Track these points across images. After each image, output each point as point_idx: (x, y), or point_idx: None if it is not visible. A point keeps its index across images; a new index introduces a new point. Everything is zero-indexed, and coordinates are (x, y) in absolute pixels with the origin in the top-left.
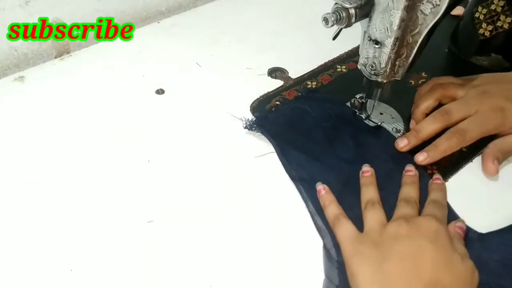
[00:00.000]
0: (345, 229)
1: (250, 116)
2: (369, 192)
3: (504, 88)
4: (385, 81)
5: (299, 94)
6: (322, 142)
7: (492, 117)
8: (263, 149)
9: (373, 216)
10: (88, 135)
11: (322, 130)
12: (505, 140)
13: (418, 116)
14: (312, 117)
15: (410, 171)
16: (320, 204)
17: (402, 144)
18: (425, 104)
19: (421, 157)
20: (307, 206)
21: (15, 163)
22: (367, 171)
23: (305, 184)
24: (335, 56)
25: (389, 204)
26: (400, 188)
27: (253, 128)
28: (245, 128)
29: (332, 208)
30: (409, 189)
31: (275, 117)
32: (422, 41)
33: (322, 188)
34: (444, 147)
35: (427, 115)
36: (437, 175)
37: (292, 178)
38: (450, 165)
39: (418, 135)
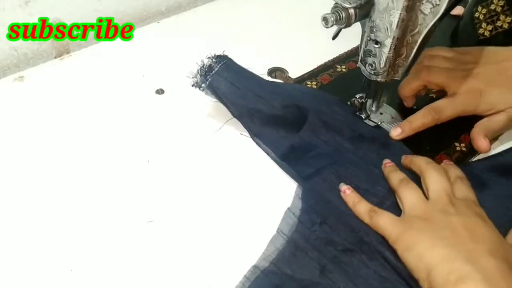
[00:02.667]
0: (385, 217)
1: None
2: (398, 174)
3: (489, 70)
4: (385, 81)
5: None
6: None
7: (470, 99)
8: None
9: (412, 192)
10: (88, 135)
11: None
12: (491, 119)
13: (405, 92)
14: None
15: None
16: (282, 153)
17: (396, 133)
18: (412, 85)
19: (395, 133)
20: (269, 155)
21: (15, 163)
22: (388, 162)
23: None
24: (335, 56)
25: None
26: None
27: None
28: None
29: (362, 205)
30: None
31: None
32: (422, 41)
33: (346, 189)
34: (418, 123)
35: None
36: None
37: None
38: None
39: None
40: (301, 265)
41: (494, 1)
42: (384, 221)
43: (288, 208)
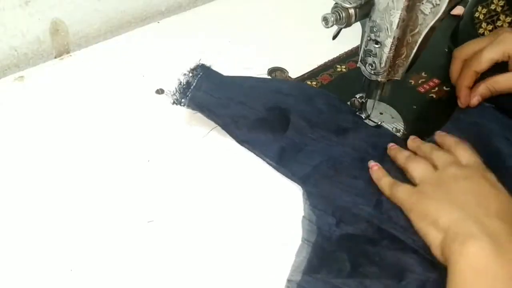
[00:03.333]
0: (402, 189)
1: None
2: (403, 152)
3: None
4: (385, 81)
5: None
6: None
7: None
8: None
9: (420, 164)
10: (88, 135)
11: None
12: (495, 79)
13: (463, 91)
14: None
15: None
16: (274, 156)
17: (390, 145)
18: (466, 82)
19: (373, 164)
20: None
21: (15, 163)
22: (392, 145)
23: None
24: (335, 56)
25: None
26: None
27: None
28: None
29: (385, 179)
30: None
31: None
32: (422, 41)
33: (374, 165)
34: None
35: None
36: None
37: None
38: None
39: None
40: (332, 267)
41: (494, 1)
42: (401, 193)
43: (303, 217)
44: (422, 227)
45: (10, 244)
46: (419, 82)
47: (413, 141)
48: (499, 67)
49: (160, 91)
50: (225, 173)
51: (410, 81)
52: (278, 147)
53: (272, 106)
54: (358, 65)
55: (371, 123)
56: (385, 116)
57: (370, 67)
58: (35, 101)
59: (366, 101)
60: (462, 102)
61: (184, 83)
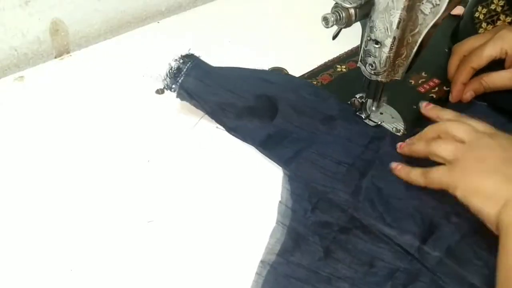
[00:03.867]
0: (437, 171)
1: None
2: (419, 141)
3: None
4: (385, 81)
5: None
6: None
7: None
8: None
9: (443, 144)
10: (88, 135)
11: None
12: (489, 76)
13: (457, 87)
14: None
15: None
16: (260, 143)
17: (399, 144)
18: (462, 78)
19: (395, 164)
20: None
21: (15, 163)
22: (400, 144)
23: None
24: (335, 56)
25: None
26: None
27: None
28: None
29: (414, 172)
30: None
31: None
32: (422, 41)
33: (397, 165)
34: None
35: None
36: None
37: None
38: None
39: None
40: (305, 251)
41: (494, 1)
42: (438, 175)
43: (280, 201)
44: (476, 203)
45: (10, 244)
46: (419, 82)
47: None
48: (496, 64)
49: (160, 91)
50: (225, 173)
51: (410, 81)
52: (265, 134)
53: (260, 94)
54: (358, 65)
55: (371, 123)
56: (385, 116)
57: (370, 67)
58: (35, 101)
59: (366, 101)
60: (453, 96)
61: (175, 68)
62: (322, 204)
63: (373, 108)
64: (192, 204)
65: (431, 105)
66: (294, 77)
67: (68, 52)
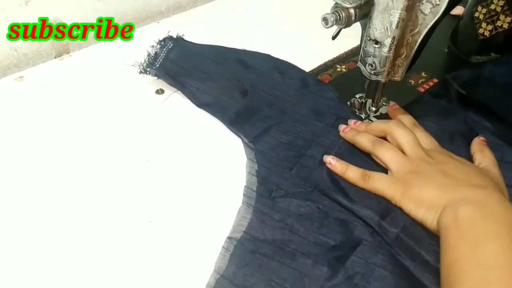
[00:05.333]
0: (380, 180)
1: None
2: (365, 136)
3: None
4: (384, 81)
5: None
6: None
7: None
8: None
9: (391, 151)
10: (88, 135)
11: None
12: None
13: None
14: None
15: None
16: (230, 120)
17: (342, 127)
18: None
19: (329, 159)
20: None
21: (15, 163)
22: (344, 127)
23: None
24: (335, 56)
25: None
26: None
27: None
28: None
29: (352, 171)
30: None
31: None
32: (422, 41)
33: (331, 159)
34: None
35: None
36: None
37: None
38: None
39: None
40: (271, 228)
41: (494, 1)
42: (381, 184)
43: (245, 186)
44: (420, 214)
45: (10, 244)
46: (419, 82)
47: (360, 126)
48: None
49: (160, 91)
50: (225, 173)
51: (410, 81)
52: (234, 111)
53: (232, 76)
54: (358, 65)
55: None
56: (385, 116)
57: (370, 67)
58: (35, 101)
59: (366, 101)
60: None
61: (152, 54)
62: (286, 185)
63: (373, 108)
64: (192, 204)
65: (396, 106)
66: (273, 57)
67: (68, 52)
